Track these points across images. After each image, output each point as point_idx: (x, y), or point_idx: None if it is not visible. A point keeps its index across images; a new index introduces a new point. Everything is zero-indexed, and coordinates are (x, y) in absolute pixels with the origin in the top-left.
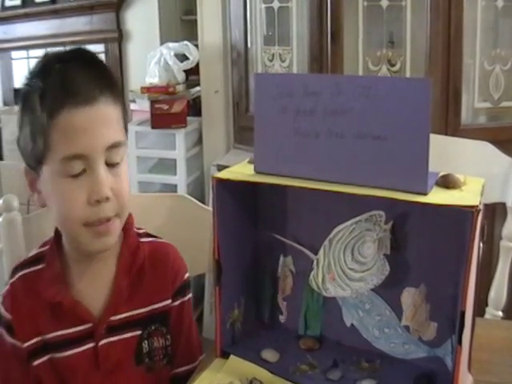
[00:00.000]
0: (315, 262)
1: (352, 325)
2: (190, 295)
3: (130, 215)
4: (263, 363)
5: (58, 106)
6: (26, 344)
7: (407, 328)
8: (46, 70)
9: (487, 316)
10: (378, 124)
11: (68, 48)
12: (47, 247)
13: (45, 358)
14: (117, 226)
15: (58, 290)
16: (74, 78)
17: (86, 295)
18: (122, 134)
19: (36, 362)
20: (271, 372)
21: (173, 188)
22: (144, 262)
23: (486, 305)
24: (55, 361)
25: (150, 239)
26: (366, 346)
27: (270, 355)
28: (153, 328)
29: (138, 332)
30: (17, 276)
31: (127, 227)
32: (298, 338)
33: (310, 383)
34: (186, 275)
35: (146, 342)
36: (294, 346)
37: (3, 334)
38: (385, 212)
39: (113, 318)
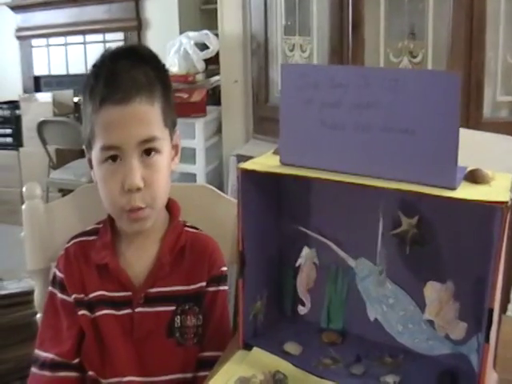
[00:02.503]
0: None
1: (376, 319)
2: (226, 287)
3: (175, 203)
4: (286, 356)
5: (101, 103)
6: (73, 296)
7: (431, 324)
8: (99, 66)
9: (509, 313)
10: (406, 117)
11: (125, 45)
12: (101, 224)
13: (87, 312)
14: (147, 213)
15: (107, 254)
16: (116, 78)
17: (131, 265)
18: (157, 130)
19: (80, 312)
20: (294, 365)
21: (192, 177)
22: (185, 246)
23: (508, 302)
24: (95, 318)
25: (194, 230)
26: (390, 341)
27: (292, 348)
28: (186, 307)
29: (172, 307)
30: (71, 243)
31: (174, 213)
32: (320, 332)
33: (334, 377)
34: (224, 268)
35: (178, 317)
36: (317, 340)
37: (55, 292)
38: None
39: (151, 290)
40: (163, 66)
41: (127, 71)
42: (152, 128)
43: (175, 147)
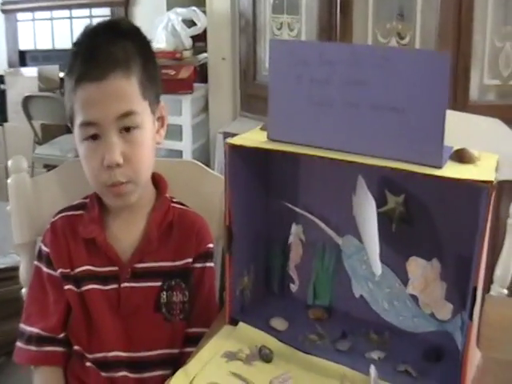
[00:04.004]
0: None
1: (361, 296)
2: (213, 264)
3: (162, 178)
4: (272, 331)
5: (78, 80)
6: (59, 271)
7: (417, 301)
8: (78, 44)
9: (492, 293)
10: (395, 95)
11: (106, 20)
12: (88, 198)
13: (73, 286)
14: (129, 188)
15: (94, 228)
16: (93, 55)
17: (118, 240)
18: (135, 104)
19: (66, 287)
20: (280, 340)
21: (178, 154)
22: (173, 221)
23: (491, 282)
24: (81, 292)
25: (181, 206)
26: (375, 318)
27: (278, 324)
28: (173, 282)
29: (159, 283)
30: (58, 217)
31: (161, 189)
32: (306, 308)
33: (319, 353)
34: (210, 245)
35: (165, 293)
36: (303, 316)
37: (41, 266)
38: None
39: (138, 265)
40: (144, 38)
41: (104, 47)
42: (129, 102)
43: (161, 119)
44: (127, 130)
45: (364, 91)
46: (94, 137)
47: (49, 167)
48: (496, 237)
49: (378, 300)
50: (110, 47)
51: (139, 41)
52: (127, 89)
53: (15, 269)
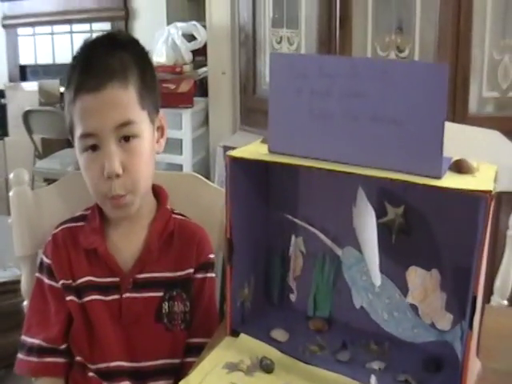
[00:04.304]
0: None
1: (361, 307)
2: (213, 275)
3: (162, 190)
4: (273, 342)
5: (76, 92)
6: (61, 282)
7: (416, 312)
8: (77, 56)
9: (492, 304)
10: (394, 107)
11: (104, 33)
12: (89, 210)
13: (75, 297)
14: (128, 199)
15: (95, 239)
16: (90, 66)
17: (119, 250)
18: (133, 114)
19: (68, 298)
20: (281, 351)
21: (178, 168)
22: (173, 232)
23: (491, 293)
24: (83, 303)
25: (182, 217)
26: (375, 329)
27: (279, 335)
28: (174, 293)
29: (160, 293)
30: (59, 229)
31: (161, 200)
32: (307, 319)
33: (320, 364)
34: (211, 255)
35: (166, 303)
36: (303, 327)
37: (43, 278)
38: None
39: (139, 276)
40: (142, 48)
41: (102, 58)
42: (127, 112)
43: (160, 129)
44: (126, 139)
45: (363, 103)
46: (94, 147)
47: (49, 181)
48: (495, 249)
49: (378, 311)
50: (108, 58)
51: (137, 51)
52: (125, 98)
53: (15, 282)
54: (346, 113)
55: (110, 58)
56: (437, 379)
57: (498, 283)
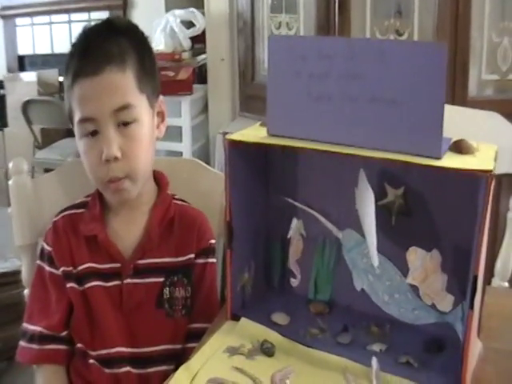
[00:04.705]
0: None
1: (362, 290)
2: (214, 260)
3: (163, 176)
4: (274, 326)
5: (74, 77)
6: (62, 269)
7: (417, 293)
8: (75, 43)
9: (493, 285)
10: (393, 88)
11: (102, 20)
12: (90, 197)
13: (75, 285)
14: (126, 184)
15: (96, 226)
16: (88, 52)
17: (120, 237)
18: (131, 97)
19: (68, 285)
20: (282, 335)
21: (178, 155)
22: (174, 218)
23: (492, 275)
24: (84, 290)
25: (182, 203)
26: (376, 311)
27: (280, 318)
28: (175, 278)
29: (161, 279)
30: (59, 216)
31: (162, 186)
32: (307, 302)
33: (321, 346)
34: (212, 241)
35: (167, 289)
36: (304, 310)
37: (43, 265)
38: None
39: (140, 262)
40: (141, 34)
41: (99, 44)
42: (125, 95)
43: (160, 114)
44: (125, 124)
45: (362, 84)
46: (93, 133)
47: (49, 171)
48: (496, 232)
49: (379, 293)
50: (105, 43)
51: (134, 36)
52: (122, 82)
53: (16, 273)
54: (344, 94)
55: (108, 43)
56: (438, 360)
57: (498, 266)
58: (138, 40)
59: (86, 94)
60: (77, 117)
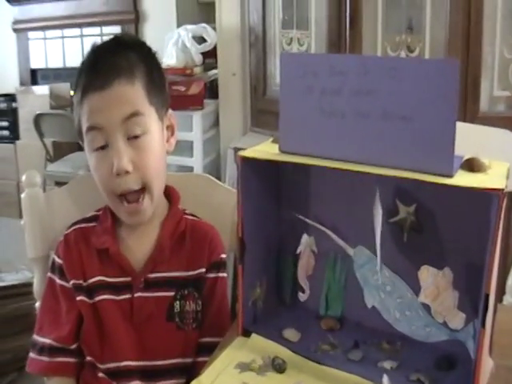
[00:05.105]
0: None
1: (373, 306)
2: (225, 274)
3: (174, 190)
4: (285, 342)
5: (83, 92)
6: (72, 282)
7: (428, 311)
8: (84, 60)
9: (504, 303)
10: (405, 105)
11: (112, 36)
12: (101, 211)
13: (86, 297)
14: (145, 205)
15: (107, 239)
16: (96, 67)
17: (131, 250)
18: (140, 106)
19: (78, 298)
20: (293, 351)
21: (189, 170)
22: (185, 231)
23: (503, 293)
24: (94, 303)
25: (194, 217)
26: (387, 328)
27: (291, 334)
28: (186, 292)
29: (172, 292)
30: (71, 229)
31: (173, 200)
32: (318, 318)
33: (332, 363)
34: (223, 255)
35: (178, 302)
36: (315, 326)
37: (54, 278)
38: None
39: (151, 275)
40: (149, 49)
41: (108, 59)
42: (133, 104)
43: (170, 128)
44: (135, 137)
45: (374, 101)
46: (103, 147)
47: (60, 184)
48: (507, 248)
49: (390, 310)
50: (114, 57)
51: (142, 50)
52: (131, 93)
53: (27, 285)
54: (356, 111)
55: (117, 57)
56: (449, 378)
57: (510, 282)
58: (146, 54)
59: (95, 105)
60: (85, 126)
